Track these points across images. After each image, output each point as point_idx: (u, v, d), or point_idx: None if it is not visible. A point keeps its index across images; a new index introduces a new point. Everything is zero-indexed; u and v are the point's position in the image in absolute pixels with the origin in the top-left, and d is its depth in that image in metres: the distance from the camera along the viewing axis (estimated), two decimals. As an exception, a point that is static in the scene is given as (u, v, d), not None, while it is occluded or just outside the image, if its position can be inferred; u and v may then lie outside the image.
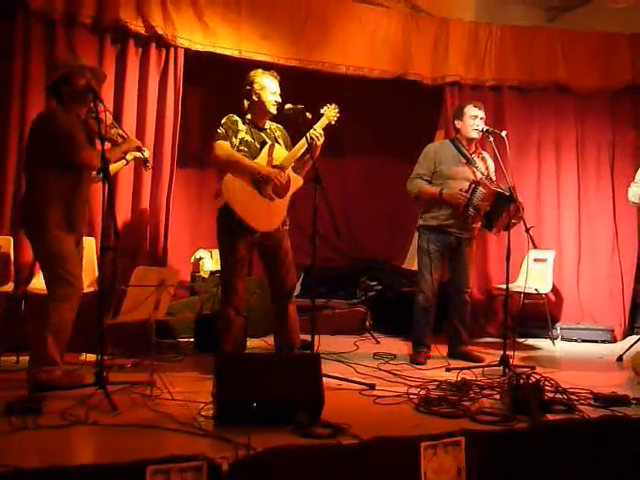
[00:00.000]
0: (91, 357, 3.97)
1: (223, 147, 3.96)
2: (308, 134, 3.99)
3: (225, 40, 5.04)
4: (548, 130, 6.14)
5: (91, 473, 2.21)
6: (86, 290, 4.46)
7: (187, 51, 4.94)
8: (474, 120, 4.61)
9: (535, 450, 2.87)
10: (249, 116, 4.11)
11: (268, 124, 4.18)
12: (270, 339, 4.53)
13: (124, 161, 3.94)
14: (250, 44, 5.12)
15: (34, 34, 4.51)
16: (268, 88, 4.05)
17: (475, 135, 4.62)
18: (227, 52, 5.06)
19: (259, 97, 4.06)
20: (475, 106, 4.65)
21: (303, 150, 4.06)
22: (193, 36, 4.92)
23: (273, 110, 4.08)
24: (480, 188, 4.45)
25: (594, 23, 6.16)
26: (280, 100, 4.07)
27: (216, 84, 5.78)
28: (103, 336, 3.31)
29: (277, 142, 4.18)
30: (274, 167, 4.07)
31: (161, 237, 4.88)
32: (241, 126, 4.06)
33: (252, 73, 4.09)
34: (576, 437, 2.97)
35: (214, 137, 4.02)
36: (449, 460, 2.71)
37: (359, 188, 6.83)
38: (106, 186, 3.30)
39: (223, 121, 4.05)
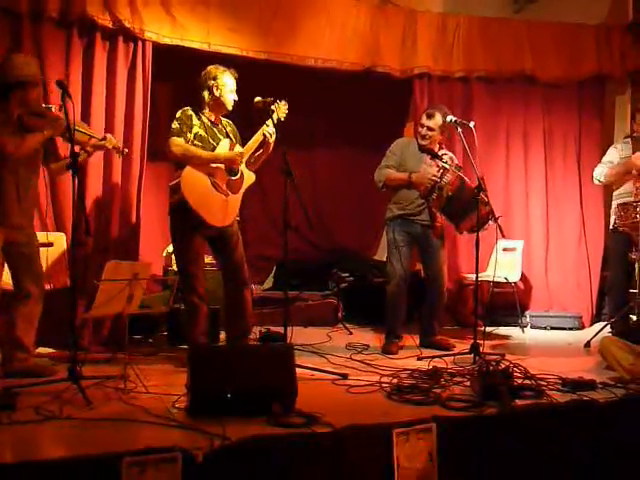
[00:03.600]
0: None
1: (177, 143, 4.03)
2: (259, 131, 4.13)
3: (193, 33, 5.01)
4: (516, 120, 6.24)
5: (67, 466, 2.22)
6: (58, 285, 4.48)
7: (156, 45, 4.89)
8: (421, 128, 4.67)
9: (505, 434, 2.95)
10: (206, 110, 4.18)
11: (220, 119, 4.26)
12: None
13: (84, 152, 3.85)
14: (219, 37, 5.10)
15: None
16: (227, 85, 4.12)
17: (422, 142, 4.66)
18: (195, 45, 5.03)
19: (220, 94, 4.12)
20: (426, 114, 4.69)
21: (258, 144, 4.17)
22: (161, 29, 4.88)
23: (230, 107, 4.18)
24: (448, 174, 4.50)
25: (559, 14, 6.25)
26: (237, 98, 4.16)
27: (185, 78, 5.73)
28: (75, 331, 3.30)
29: (229, 137, 4.26)
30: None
31: (132, 231, 4.85)
32: (195, 121, 4.12)
33: (213, 68, 4.14)
34: (544, 421, 3.06)
35: (169, 132, 4.09)
36: (421, 446, 2.77)
37: (330, 180, 6.87)
38: (75, 181, 3.28)
39: (178, 115, 4.12)
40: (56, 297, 4.50)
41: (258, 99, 4.13)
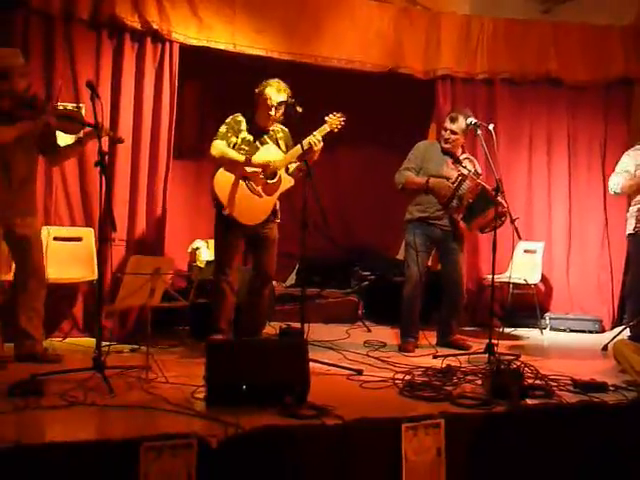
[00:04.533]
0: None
1: (217, 147, 4.28)
2: (306, 140, 4.25)
3: (219, 34, 5.14)
4: (540, 123, 6.23)
5: (90, 448, 2.34)
6: (86, 279, 4.65)
7: (182, 45, 5.04)
8: (445, 132, 4.71)
9: (513, 432, 3.00)
10: (255, 117, 4.38)
11: (272, 126, 4.43)
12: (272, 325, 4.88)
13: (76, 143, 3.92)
14: (244, 38, 5.22)
15: (32, 29, 4.60)
16: (272, 99, 4.28)
17: (445, 145, 4.70)
18: (221, 46, 5.16)
19: (267, 104, 4.29)
20: (450, 117, 4.73)
21: (297, 155, 4.31)
22: (188, 31, 5.02)
23: (273, 119, 4.36)
24: (467, 181, 4.55)
25: (588, 15, 6.22)
26: (282, 110, 4.32)
27: (211, 78, 5.90)
28: (100, 322, 3.44)
29: (278, 143, 4.43)
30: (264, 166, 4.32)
31: (158, 228, 5.00)
32: (244, 126, 4.34)
33: (264, 82, 4.33)
34: (552, 421, 3.10)
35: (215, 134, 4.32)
36: (429, 441, 2.83)
37: (353, 180, 6.94)
38: (103, 178, 3.41)
39: (227, 120, 4.35)
40: (83, 289, 4.69)
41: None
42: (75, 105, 4.08)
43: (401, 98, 6.33)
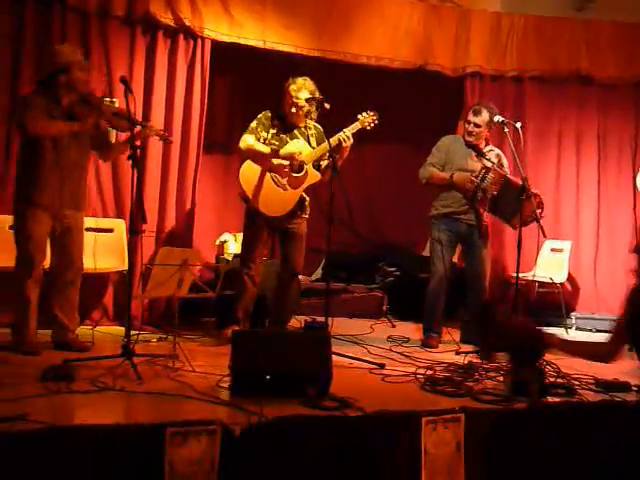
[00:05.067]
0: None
1: (245, 140, 4.38)
2: (336, 136, 4.30)
3: (250, 31, 5.22)
4: (569, 121, 6.20)
5: (118, 432, 2.43)
6: (116, 269, 4.76)
7: (213, 42, 5.13)
8: (468, 125, 4.72)
9: (532, 429, 3.03)
10: (284, 113, 4.45)
11: (305, 122, 4.49)
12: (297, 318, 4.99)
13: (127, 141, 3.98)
14: (274, 35, 5.30)
15: (70, 26, 4.72)
16: (294, 96, 4.35)
17: (468, 138, 4.71)
18: (252, 43, 5.24)
19: (290, 102, 4.37)
20: (473, 110, 4.73)
21: (326, 150, 4.36)
22: (219, 27, 5.11)
23: (298, 116, 4.40)
24: (490, 173, 4.55)
25: (622, 12, 6.15)
26: (299, 102, 4.34)
27: (242, 73, 5.97)
28: (130, 311, 3.54)
29: (309, 140, 4.49)
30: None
31: (187, 221, 5.10)
32: (275, 122, 4.42)
33: (290, 79, 4.39)
34: (573, 418, 3.11)
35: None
36: (449, 435, 2.86)
37: (381, 177, 6.97)
38: (135, 171, 3.50)
39: (259, 115, 4.44)
40: (113, 279, 4.80)
41: (308, 96, 4.33)
42: (109, 99, 4.16)
43: (429, 95, 6.34)
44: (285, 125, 4.46)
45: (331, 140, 4.29)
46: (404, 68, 5.78)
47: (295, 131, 4.47)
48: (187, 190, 5.09)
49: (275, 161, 4.37)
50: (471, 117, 4.71)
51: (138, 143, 3.72)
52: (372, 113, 4.44)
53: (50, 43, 4.63)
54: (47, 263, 3.98)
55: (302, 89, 4.34)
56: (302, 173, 4.44)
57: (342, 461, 2.69)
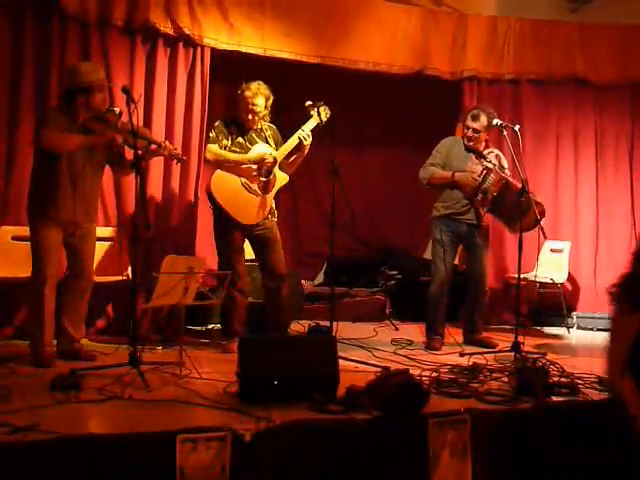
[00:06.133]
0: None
1: (211, 150, 4.45)
2: (295, 134, 4.40)
3: (249, 39, 5.25)
4: (566, 123, 6.24)
5: (128, 440, 2.46)
6: (118, 278, 4.77)
7: (213, 50, 5.15)
8: (467, 130, 4.75)
9: (537, 428, 3.06)
10: (239, 119, 4.51)
11: (260, 124, 4.55)
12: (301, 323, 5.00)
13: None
14: (273, 42, 5.33)
15: (69, 36, 4.73)
16: (253, 102, 4.41)
17: (467, 143, 4.75)
18: (251, 50, 5.27)
19: (247, 108, 4.44)
20: (471, 116, 4.76)
21: (294, 146, 4.44)
22: (219, 36, 5.13)
23: (254, 121, 4.48)
24: (491, 175, 4.59)
25: (617, 14, 6.20)
26: (256, 107, 4.42)
27: (241, 81, 5.97)
28: (135, 320, 3.56)
29: (267, 141, 4.54)
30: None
31: (189, 228, 5.12)
32: (231, 128, 4.48)
33: (244, 85, 4.46)
34: (577, 418, 3.14)
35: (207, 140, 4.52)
36: (455, 436, 2.90)
37: (381, 181, 7.02)
38: (139, 179, 3.54)
39: (216, 124, 4.51)
40: (120, 288, 4.81)
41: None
42: (110, 107, 4.17)
43: (427, 99, 6.38)
44: (241, 130, 4.51)
45: (291, 140, 4.41)
46: (402, 73, 5.81)
47: (252, 134, 4.52)
48: (188, 197, 5.10)
49: (244, 167, 4.41)
50: (470, 122, 4.74)
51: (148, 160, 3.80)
52: (322, 107, 4.48)
53: (50, 53, 4.67)
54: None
55: (257, 94, 4.41)
56: (271, 177, 4.49)
57: (351, 464, 2.72)
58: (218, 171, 4.42)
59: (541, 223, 4.40)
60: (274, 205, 4.60)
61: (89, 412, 2.88)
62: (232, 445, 2.52)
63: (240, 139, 4.49)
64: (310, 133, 4.44)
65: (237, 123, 4.51)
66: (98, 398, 3.02)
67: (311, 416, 2.81)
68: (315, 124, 4.48)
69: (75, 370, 3.38)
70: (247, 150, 4.47)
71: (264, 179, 4.47)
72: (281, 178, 4.57)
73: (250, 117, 4.45)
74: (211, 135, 4.49)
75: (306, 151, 4.52)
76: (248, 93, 4.40)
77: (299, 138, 4.43)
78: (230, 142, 4.46)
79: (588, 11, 6.48)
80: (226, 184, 4.42)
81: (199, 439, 2.50)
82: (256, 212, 4.45)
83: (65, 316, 3.93)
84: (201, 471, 2.48)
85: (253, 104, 4.41)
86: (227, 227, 4.43)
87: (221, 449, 2.52)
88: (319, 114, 4.46)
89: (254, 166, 4.44)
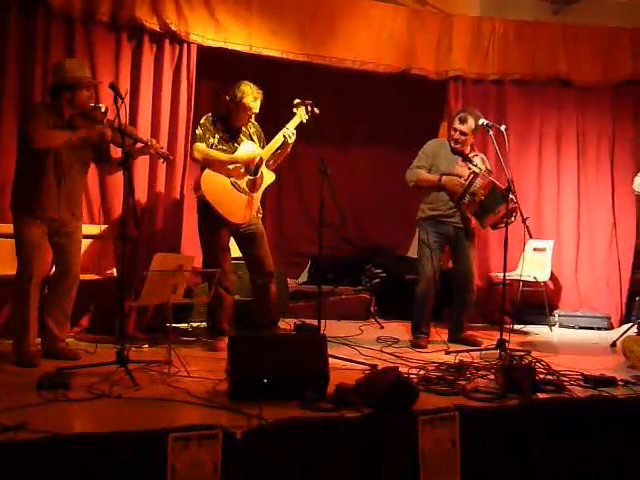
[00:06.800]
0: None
1: (199, 149, 4.39)
2: (280, 133, 4.41)
3: (236, 36, 5.23)
4: (549, 123, 6.31)
5: (119, 439, 2.44)
6: (104, 276, 4.74)
7: (199, 46, 5.13)
8: (454, 132, 4.78)
9: (524, 425, 3.09)
10: (230, 119, 4.48)
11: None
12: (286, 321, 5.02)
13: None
14: (260, 40, 5.32)
15: (54, 31, 4.68)
16: (246, 103, 4.38)
17: (455, 146, 4.78)
18: (238, 47, 5.25)
19: (238, 107, 4.40)
20: (459, 118, 4.79)
21: (279, 144, 4.46)
22: (205, 32, 5.11)
23: (245, 123, 4.49)
24: (478, 179, 4.63)
25: (599, 16, 6.29)
26: (255, 111, 4.43)
27: (227, 78, 5.96)
28: (123, 318, 3.53)
29: (251, 138, 4.55)
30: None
31: (175, 226, 5.09)
32: (218, 126, 4.45)
33: (239, 85, 4.41)
34: (563, 414, 3.18)
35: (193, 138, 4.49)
36: (445, 433, 2.92)
37: (366, 180, 7.04)
38: (127, 175, 3.51)
39: (202, 121, 4.46)
40: (103, 286, 4.78)
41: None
42: (95, 104, 4.13)
43: (412, 98, 6.42)
44: (228, 128, 4.49)
45: (276, 138, 4.43)
46: (388, 72, 5.83)
47: (238, 132, 4.52)
48: (174, 195, 5.08)
49: (232, 166, 4.40)
50: (457, 125, 4.77)
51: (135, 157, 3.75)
52: (310, 104, 4.48)
53: (34, 49, 4.61)
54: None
55: (257, 99, 4.39)
56: (258, 175, 4.50)
57: (342, 461, 2.73)
58: (207, 170, 4.40)
59: (526, 223, 4.44)
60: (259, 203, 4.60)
61: (78, 411, 2.86)
62: (223, 443, 2.51)
63: (226, 136, 4.47)
64: (295, 131, 4.45)
65: (223, 120, 4.49)
66: (87, 397, 2.99)
67: (302, 414, 2.81)
68: (299, 122, 4.48)
69: (62, 369, 3.35)
70: (234, 148, 4.46)
71: (251, 177, 4.46)
72: (268, 176, 4.58)
73: (246, 120, 4.45)
74: (198, 133, 4.45)
75: (289, 149, 4.53)
76: (249, 99, 4.36)
77: (284, 136, 4.44)
78: (216, 140, 4.44)
79: (570, 13, 6.57)
80: (216, 183, 4.40)
81: (191, 437, 2.48)
82: (245, 210, 4.45)
83: (49, 315, 3.88)
84: (193, 469, 2.47)
85: (251, 108, 4.39)
86: (214, 225, 4.41)
87: (213, 447, 2.51)
88: (307, 112, 4.46)
89: (240, 165, 4.43)
